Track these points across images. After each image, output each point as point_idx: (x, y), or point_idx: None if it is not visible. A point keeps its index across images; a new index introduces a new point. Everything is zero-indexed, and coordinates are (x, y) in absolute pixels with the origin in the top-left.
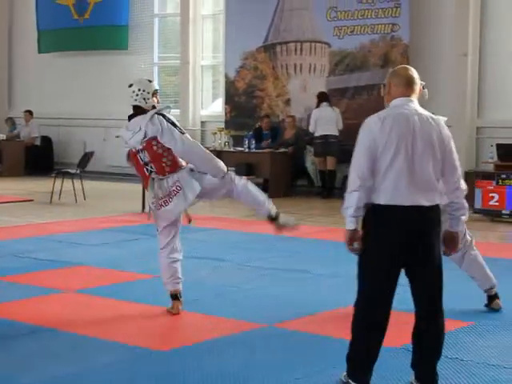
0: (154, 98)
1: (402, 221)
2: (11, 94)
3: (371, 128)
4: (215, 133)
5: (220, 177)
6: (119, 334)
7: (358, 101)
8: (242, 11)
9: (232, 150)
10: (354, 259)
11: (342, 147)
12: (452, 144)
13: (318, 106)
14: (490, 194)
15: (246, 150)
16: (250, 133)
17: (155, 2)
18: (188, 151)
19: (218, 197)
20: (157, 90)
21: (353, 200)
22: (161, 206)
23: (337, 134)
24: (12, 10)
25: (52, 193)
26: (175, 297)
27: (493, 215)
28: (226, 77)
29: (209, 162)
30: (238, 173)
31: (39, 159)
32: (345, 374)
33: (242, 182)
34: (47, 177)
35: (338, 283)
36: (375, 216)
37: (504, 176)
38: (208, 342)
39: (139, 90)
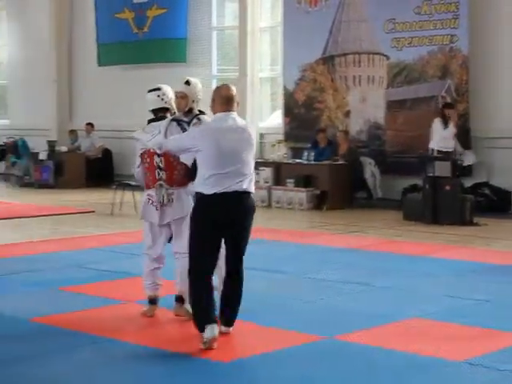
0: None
1: (220, 203)
2: (72, 106)
3: (196, 138)
4: (274, 145)
5: None
6: (168, 344)
7: (417, 113)
8: (300, 24)
9: (291, 161)
10: (415, 272)
11: (399, 159)
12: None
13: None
14: None
15: (305, 162)
16: (309, 145)
17: (213, 15)
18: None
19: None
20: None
21: None
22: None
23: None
24: (72, 24)
25: (113, 204)
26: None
27: None
28: (285, 89)
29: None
30: (297, 185)
31: (99, 171)
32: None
33: None
34: (108, 188)
35: (399, 296)
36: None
37: None
38: (268, 354)
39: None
